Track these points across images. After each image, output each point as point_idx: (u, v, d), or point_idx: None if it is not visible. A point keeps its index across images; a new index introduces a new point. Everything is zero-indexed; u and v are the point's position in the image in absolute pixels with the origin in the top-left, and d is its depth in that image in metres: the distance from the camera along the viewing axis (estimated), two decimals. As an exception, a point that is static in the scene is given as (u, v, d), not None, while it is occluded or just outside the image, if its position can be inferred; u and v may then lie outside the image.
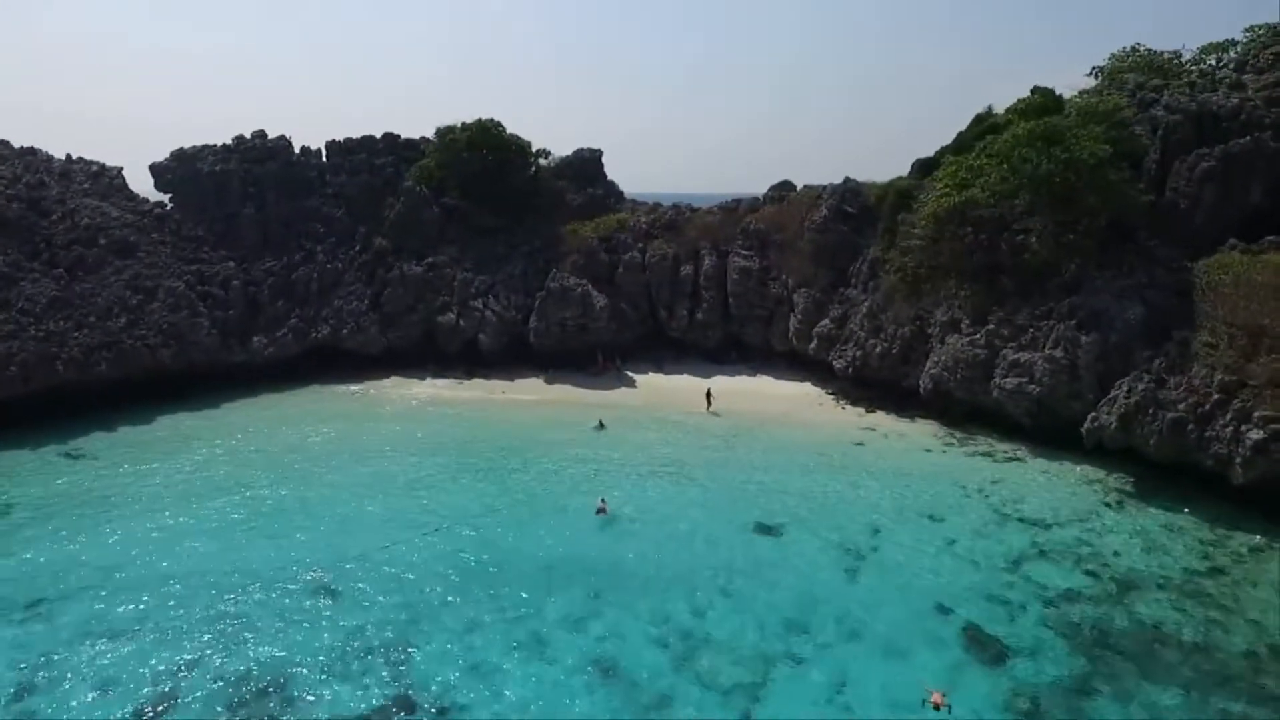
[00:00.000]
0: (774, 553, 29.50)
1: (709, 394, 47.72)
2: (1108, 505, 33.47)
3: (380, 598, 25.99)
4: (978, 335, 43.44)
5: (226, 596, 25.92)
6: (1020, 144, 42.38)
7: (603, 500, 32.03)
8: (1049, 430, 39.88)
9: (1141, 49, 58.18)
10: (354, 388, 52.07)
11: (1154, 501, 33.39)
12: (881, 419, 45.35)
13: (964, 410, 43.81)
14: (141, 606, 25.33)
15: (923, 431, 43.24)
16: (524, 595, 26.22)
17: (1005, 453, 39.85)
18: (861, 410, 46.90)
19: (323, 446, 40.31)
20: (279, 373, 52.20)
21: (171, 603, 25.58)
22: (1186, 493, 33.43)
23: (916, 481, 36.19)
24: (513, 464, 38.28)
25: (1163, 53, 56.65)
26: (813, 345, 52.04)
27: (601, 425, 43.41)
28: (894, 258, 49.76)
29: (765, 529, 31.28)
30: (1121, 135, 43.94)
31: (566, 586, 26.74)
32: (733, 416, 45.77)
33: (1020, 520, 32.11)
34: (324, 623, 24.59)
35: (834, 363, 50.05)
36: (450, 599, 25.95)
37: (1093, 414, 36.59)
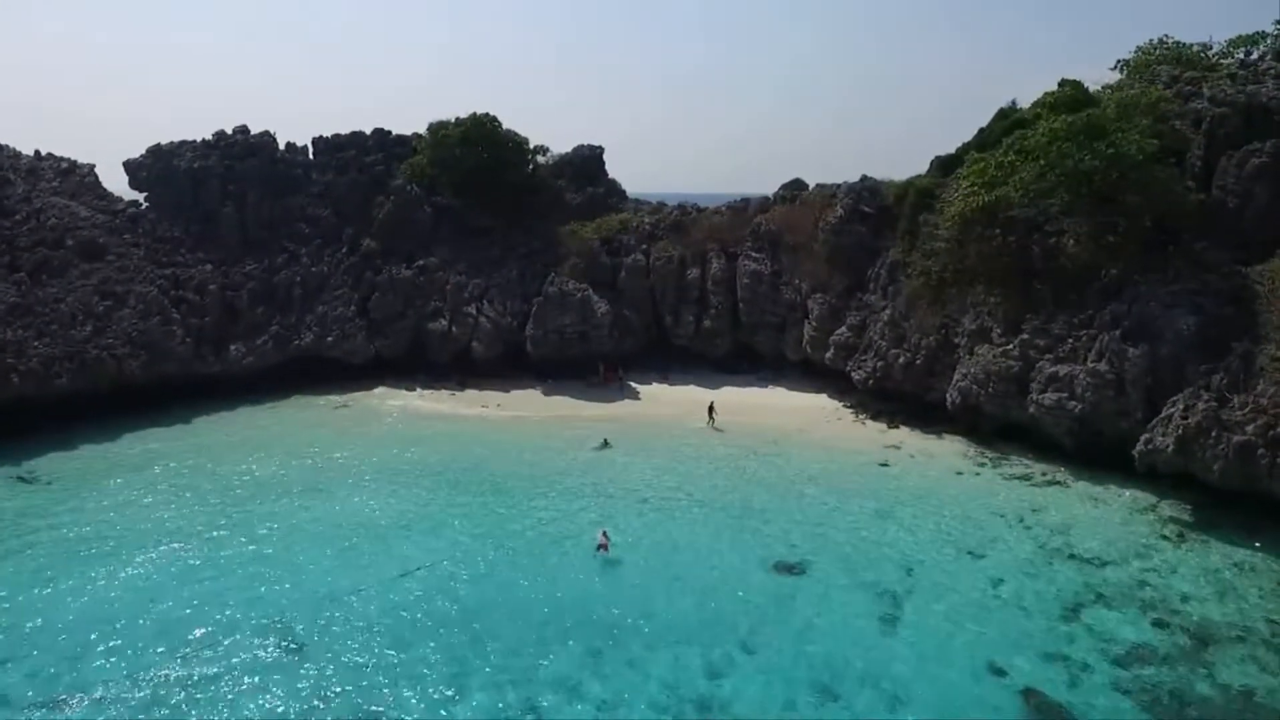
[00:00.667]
0: (799, 598, 26.11)
1: (711, 408, 44.35)
2: (1166, 539, 30.09)
3: (345, 658, 22.56)
4: (1010, 346, 40.08)
5: (169, 661, 22.44)
6: (1059, 138, 38.96)
7: (603, 534, 28.59)
8: (1091, 450, 36.57)
9: (1169, 41, 55.25)
10: (338, 400, 48.72)
11: (1217, 534, 30.01)
12: (905, 436, 42.00)
13: (995, 427, 40.50)
14: (65, 673, 21.80)
15: (951, 450, 39.89)
16: (514, 653, 22.82)
17: (1044, 475, 36.48)
18: (883, 425, 43.56)
19: (297, 471, 36.84)
20: (258, 384, 48.84)
21: (101, 667, 22.12)
22: (1253, 523, 30.05)
23: (950, 509, 32.86)
24: (504, 490, 34.91)
25: (1191, 45, 53.73)
26: (829, 354, 48.69)
27: (607, 444, 40.04)
28: (916, 261, 46.46)
29: (787, 568, 27.89)
30: (1162, 129, 40.63)
31: (563, 642, 23.35)
32: (744, 433, 42.41)
33: (1071, 557, 28.73)
34: (279, 689, 21.18)
35: (853, 374, 46.70)
36: (427, 658, 22.56)
37: (1146, 435, 33.19)
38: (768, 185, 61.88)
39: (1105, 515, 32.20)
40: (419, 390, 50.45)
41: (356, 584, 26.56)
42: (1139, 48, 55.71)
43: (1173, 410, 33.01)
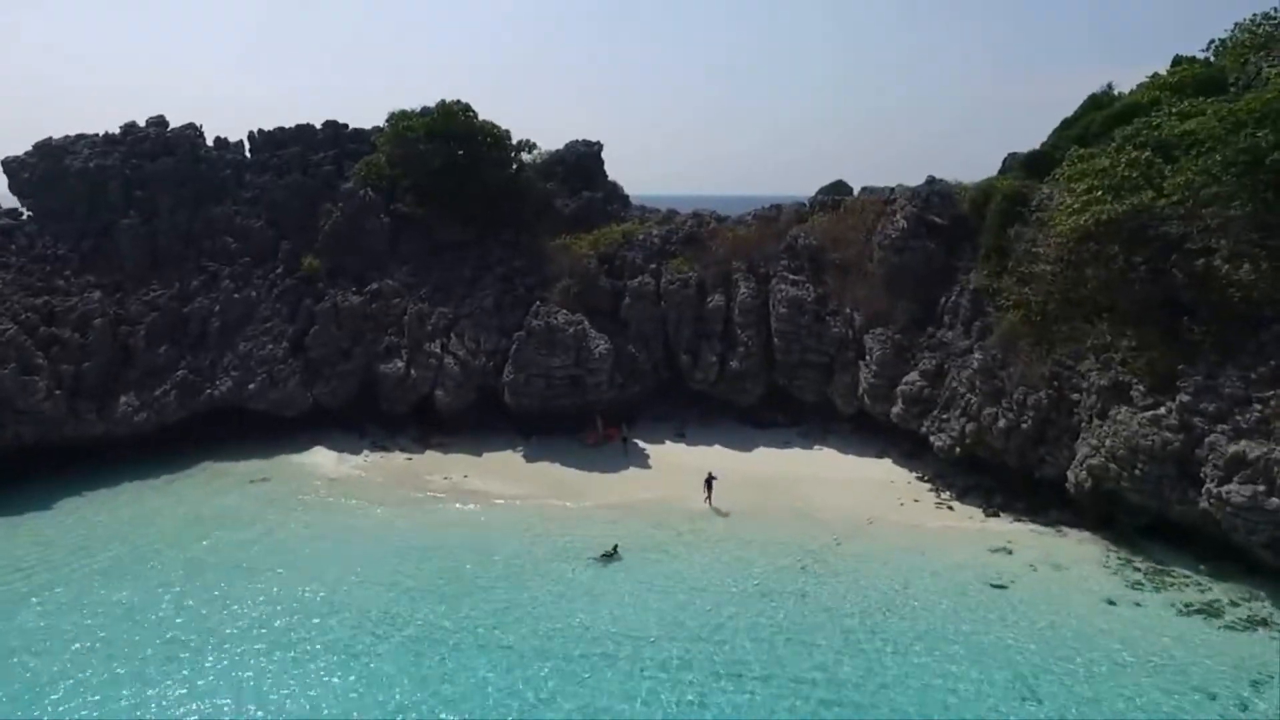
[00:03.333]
0: None
1: (709, 482, 33.37)
2: None
3: None
4: (1163, 411, 29.02)
5: None
6: (1243, 125, 27.91)
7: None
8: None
9: (1276, 14, 45.79)
10: (258, 467, 37.59)
11: None
12: (1013, 530, 30.98)
13: (1144, 523, 29.53)
14: None
15: (1084, 556, 28.85)
16: None
17: (1234, 605, 25.46)
18: (979, 511, 32.55)
19: (160, 604, 25.72)
20: (158, 447, 37.72)
21: None
22: None
23: (1120, 677, 21.82)
24: (458, 644, 23.75)
25: (1304, 18, 44.07)
26: (896, 409, 37.59)
27: (615, 553, 28.91)
28: (1010, 288, 35.56)
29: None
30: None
31: None
32: (791, 523, 31.46)
33: (1363, 798, 17.67)
34: None
35: (932, 439, 35.56)
36: None
37: None
38: (769, 187, 51.09)
39: (1369, 695, 21.09)
40: (365, 454, 39.27)
41: None
42: (1238, 25, 46.75)
43: None
